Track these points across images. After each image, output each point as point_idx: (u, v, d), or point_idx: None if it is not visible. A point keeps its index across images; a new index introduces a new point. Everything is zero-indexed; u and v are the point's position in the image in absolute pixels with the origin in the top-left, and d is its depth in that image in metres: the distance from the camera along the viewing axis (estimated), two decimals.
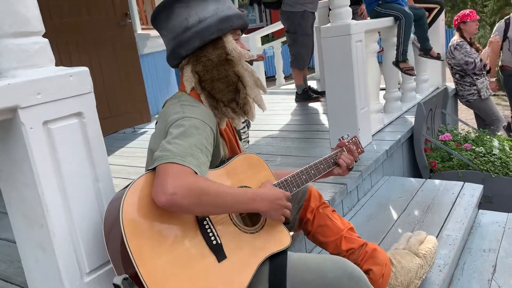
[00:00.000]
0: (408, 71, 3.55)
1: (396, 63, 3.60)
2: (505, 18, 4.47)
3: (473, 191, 2.56)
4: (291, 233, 1.76)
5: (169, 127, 1.21)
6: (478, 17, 4.49)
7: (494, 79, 4.82)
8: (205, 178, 1.13)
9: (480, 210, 2.58)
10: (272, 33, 8.99)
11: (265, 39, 10.11)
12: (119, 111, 4.12)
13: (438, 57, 3.84)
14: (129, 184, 1.11)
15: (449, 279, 1.94)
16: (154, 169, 1.12)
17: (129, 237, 1.03)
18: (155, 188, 1.05)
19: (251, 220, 1.43)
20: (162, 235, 1.09)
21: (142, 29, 5.06)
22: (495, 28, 4.57)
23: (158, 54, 5.11)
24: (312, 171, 1.60)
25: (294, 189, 1.51)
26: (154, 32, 5.09)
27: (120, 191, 1.16)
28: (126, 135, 4.28)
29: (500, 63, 4.60)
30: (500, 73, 4.76)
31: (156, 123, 1.38)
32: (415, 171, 3.46)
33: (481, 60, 4.25)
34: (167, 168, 1.06)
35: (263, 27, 7.75)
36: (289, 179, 1.50)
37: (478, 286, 1.90)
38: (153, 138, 1.35)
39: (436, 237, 2.05)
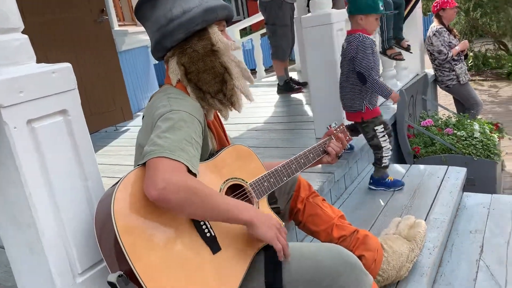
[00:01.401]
0: (397, 56, 3.59)
1: (383, 51, 3.63)
2: None
3: (457, 174, 2.61)
4: (283, 223, 1.77)
5: (157, 120, 1.19)
6: (456, 4, 4.55)
7: None
8: (197, 180, 1.11)
9: (464, 193, 2.63)
10: (250, 26, 8.97)
11: (244, 32, 10.08)
12: (100, 109, 4.05)
13: (407, 49, 3.86)
14: (119, 180, 1.09)
15: (439, 261, 1.97)
16: (143, 164, 1.10)
17: (121, 233, 1.01)
18: (146, 183, 1.04)
19: None
20: (155, 229, 1.08)
21: (119, 25, 4.98)
22: None
23: (136, 50, 5.03)
24: (302, 160, 1.60)
25: (285, 178, 1.50)
26: (131, 29, 5.01)
27: (110, 188, 1.13)
28: (109, 133, 4.21)
29: None
30: None
31: (143, 118, 1.36)
32: (399, 157, 3.50)
33: (452, 55, 4.29)
34: (157, 162, 1.05)
35: (240, 20, 7.71)
36: (279, 169, 1.49)
37: (467, 266, 1.94)
38: (141, 133, 1.33)
39: (424, 221, 2.08)
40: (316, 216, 1.69)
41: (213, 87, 1.33)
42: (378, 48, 2.48)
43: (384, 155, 2.43)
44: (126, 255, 1.00)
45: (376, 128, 2.39)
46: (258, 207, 1.39)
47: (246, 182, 1.38)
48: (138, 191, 1.08)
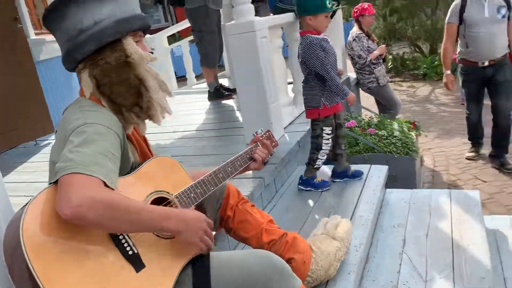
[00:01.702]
0: None
1: None
2: None
3: (379, 172, 2.74)
4: (213, 233, 1.75)
5: (70, 135, 1.13)
6: (374, 11, 4.82)
7: (449, 72, 3.97)
8: (116, 192, 1.07)
9: (387, 189, 2.77)
10: (179, 32, 8.86)
11: (173, 39, 9.93)
12: (17, 124, 3.78)
13: None
14: (29, 201, 1.02)
15: (365, 257, 2.06)
16: (56, 182, 1.04)
17: (32, 258, 0.95)
18: (59, 202, 0.98)
19: None
20: (70, 251, 1.02)
21: (36, 34, 4.70)
22: (450, 8, 3.89)
23: (56, 59, 4.76)
24: (229, 168, 1.60)
25: (212, 188, 1.49)
26: (50, 37, 4.74)
27: (19, 210, 1.06)
28: (28, 149, 3.94)
29: (457, 55, 4.02)
30: (458, 68, 4.04)
31: (56, 133, 1.28)
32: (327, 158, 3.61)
33: (371, 59, 4.53)
34: (70, 179, 0.99)
35: (168, 26, 7.60)
36: (206, 178, 1.48)
37: (391, 260, 2.04)
38: (54, 148, 1.26)
39: (350, 219, 2.17)
40: (245, 222, 1.70)
41: (128, 100, 1.29)
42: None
43: (319, 157, 2.51)
44: (38, 282, 0.93)
45: (324, 128, 2.46)
46: None
47: (171, 195, 1.35)
48: (50, 211, 1.01)
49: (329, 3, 2.36)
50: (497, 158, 4.00)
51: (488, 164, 4.07)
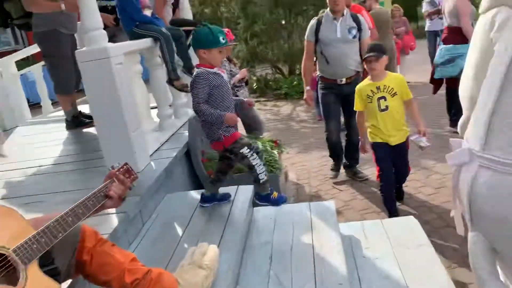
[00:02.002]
0: (184, 88, 3.68)
1: (170, 82, 3.70)
2: (319, 16, 4.18)
3: (246, 192, 2.81)
4: (69, 280, 1.61)
5: None
6: (233, 37, 5.00)
7: (308, 87, 4.26)
8: None
9: (254, 208, 2.86)
10: (33, 55, 8.10)
11: (25, 63, 9.02)
12: None
13: None
14: None
15: (236, 280, 2.08)
16: None
17: None
18: None
19: (9, 280, 1.23)
20: None
21: None
22: (308, 27, 4.19)
23: None
24: (80, 210, 1.49)
25: (60, 234, 1.37)
26: None
27: None
28: None
29: (317, 73, 4.30)
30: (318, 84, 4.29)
31: None
32: (198, 183, 3.61)
33: (234, 83, 4.70)
34: None
35: (19, 49, 6.90)
36: (52, 224, 1.35)
37: (260, 279, 2.09)
38: None
39: (219, 244, 2.17)
40: (105, 265, 1.59)
41: None
42: (226, 77, 2.51)
43: (258, 172, 2.48)
44: None
45: (241, 151, 2.44)
46: (26, 275, 1.22)
47: (8, 249, 1.20)
48: None
49: (223, 39, 2.42)
50: (350, 168, 4.42)
51: (343, 174, 4.48)
